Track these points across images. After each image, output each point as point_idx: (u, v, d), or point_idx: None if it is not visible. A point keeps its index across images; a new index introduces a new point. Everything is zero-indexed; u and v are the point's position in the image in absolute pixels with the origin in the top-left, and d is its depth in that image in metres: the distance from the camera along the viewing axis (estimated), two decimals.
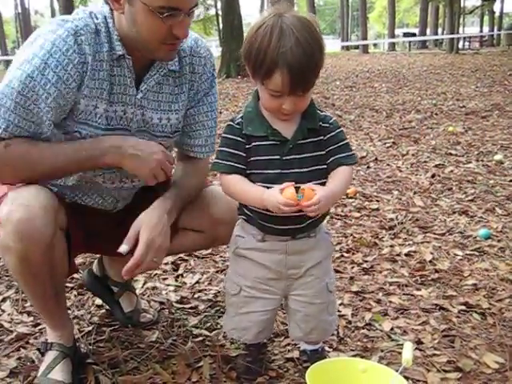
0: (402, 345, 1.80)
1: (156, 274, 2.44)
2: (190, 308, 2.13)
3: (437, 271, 2.41)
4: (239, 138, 1.43)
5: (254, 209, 1.46)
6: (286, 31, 1.29)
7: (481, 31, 44.92)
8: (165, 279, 2.40)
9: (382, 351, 1.79)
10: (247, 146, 1.43)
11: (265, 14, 1.38)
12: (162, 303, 2.18)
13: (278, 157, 1.41)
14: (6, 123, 1.43)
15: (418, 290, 2.23)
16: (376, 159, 4.68)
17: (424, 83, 10.95)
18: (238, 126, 1.44)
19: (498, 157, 4.50)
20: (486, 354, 1.76)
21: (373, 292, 2.23)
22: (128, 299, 2.07)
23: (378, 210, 3.33)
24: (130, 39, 1.52)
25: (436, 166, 4.39)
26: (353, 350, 1.80)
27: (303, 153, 1.43)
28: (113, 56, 1.54)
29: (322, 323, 1.59)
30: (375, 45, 44.66)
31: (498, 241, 2.77)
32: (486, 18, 46.49)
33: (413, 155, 4.78)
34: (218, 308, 2.11)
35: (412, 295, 2.19)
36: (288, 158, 1.42)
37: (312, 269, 1.54)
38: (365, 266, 2.49)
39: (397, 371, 1.37)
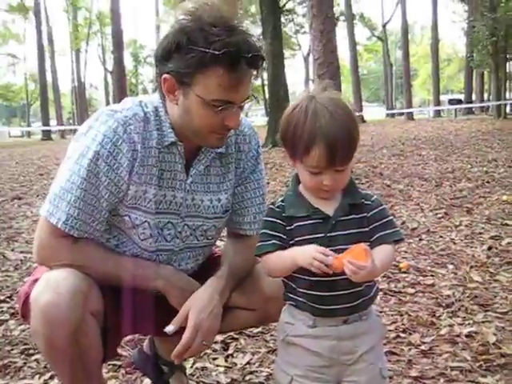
0: None
1: (206, 353, 2.38)
2: None
3: (502, 356, 2.26)
4: (279, 221, 1.42)
5: (303, 291, 1.42)
6: (320, 108, 1.33)
7: None
8: (215, 359, 2.34)
9: None
10: (288, 228, 1.41)
11: (298, 97, 1.42)
12: None
13: (322, 234, 1.39)
14: (65, 215, 1.50)
15: (484, 376, 2.09)
16: (428, 231, 4.56)
17: (473, 150, 10.79)
18: (278, 209, 1.43)
19: None
20: None
21: (433, 378, 2.10)
22: (178, 380, 2.02)
23: (433, 285, 3.20)
24: (181, 127, 1.57)
25: (492, 237, 4.23)
26: None
27: (347, 229, 1.41)
28: (163, 143, 1.58)
29: None
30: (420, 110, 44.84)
31: None
32: None
33: (466, 226, 4.64)
34: None
35: (477, 383, 2.05)
36: (333, 234, 1.39)
37: (365, 354, 1.45)
38: (423, 347, 2.36)
39: None
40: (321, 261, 1.29)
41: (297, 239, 1.40)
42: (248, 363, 2.29)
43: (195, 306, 1.56)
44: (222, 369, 2.24)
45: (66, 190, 1.50)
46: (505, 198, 5.59)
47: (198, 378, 2.18)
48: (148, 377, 2.11)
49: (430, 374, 2.13)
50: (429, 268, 3.53)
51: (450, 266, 3.55)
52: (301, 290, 1.42)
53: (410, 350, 2.36)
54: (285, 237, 1.41)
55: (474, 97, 41.28)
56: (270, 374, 2.17)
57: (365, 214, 1.43)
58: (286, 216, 1.41)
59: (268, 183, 7.30)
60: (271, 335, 2.54)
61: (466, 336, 2.47)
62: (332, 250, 1.34)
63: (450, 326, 2.59)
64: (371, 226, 1.42)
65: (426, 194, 6.27)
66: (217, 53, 1.39)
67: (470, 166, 8.40)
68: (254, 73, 1.51)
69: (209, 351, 2.39)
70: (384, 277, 3.31)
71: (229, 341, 2.50)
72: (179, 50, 1.44)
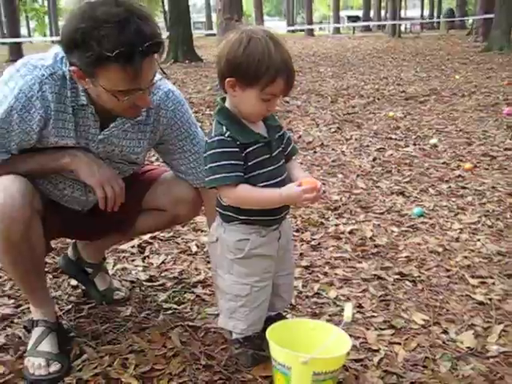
0: None
1: (124, 256, 2.67)
2: (159, 285, 2.37)
3: (376, 246, 2.73)
4: (237, 149, 1.57)
5: (260, 210, 1.64)
6: (278, 43, 1.54)
7: (421, 13, 46.11)
8: (133, 261, 2.63)
9: (330, 316, 2.09)
10: (242, 155, 1.58)
11: (233, 34, 1.56)
12: (132, 282, 2.41)
13: (268, 156, 1.65)
14: None
15: (360, 262, 2.55)
16: (322, 144, 4.99)
17: (367, 67, 11.37)
18: (230, 139, 1.56)
19: (433, 141, 4.90)
20: (414, 313, 2.08)
21: (320, 266, 2.53)
22: (102, 278, 2.29)
23: (324, 192, 3.62)
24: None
25: (377, 149, 4.74)
26: (304, 316, 2.09)
27: (278, 147, 1.72)
28: (77, 102, 1.72)
29: (292, 289, 1.98)
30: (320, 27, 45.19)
31: (430, 218, 3.12)
32: (427, 0, 47.72)
33: (356, 140, 5.12)
34: (183, 284, 2.37)
35: (354, 268, 2.50)
36: (274, 154, 1.68)
37: (289, 244, 1.85)
38: (313, 243, 2.79)
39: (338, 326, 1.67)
40: (307, 198, 1.55)
41: (250, 163, 1.60)
42: (163, 262, 2.61)
43: (84, 176, 1.77)
44: (140, 268, 2.54)
45: None
46: (391, 114, 6.15)
47: (119, 276, 2.46)
48: (75, 279, 2.36)
49: (317, 263, 2.55)
50: (321, 177, 3.96)
51: (340, 176, 4.00)
52: (258, 209, 1.65)
53: (302, 245, 2.77)
54: (242, 163, 1.59)
55: (372, 13, 42.13)
56: (183, 270, 2.51)
57: (279, 133, 1.75)
58: (239, 144, 1.57)
59: None
60: (182, 238, 2.86)
61: (349, 233, 2.92)
62: (277, 168, 1.66)
63: (336, 225, 3.03)
64: (285, 141, 1.76)
65: (321, 110, 6.70)
66: (109, 54, 1.46)
67: (363, 83, 8.93)
68: (156, 56, 1.59)
69: (127, 254, 2.68)
70: None
71: (144, 245, 2.79)
72: (77, 48, 1.52)
